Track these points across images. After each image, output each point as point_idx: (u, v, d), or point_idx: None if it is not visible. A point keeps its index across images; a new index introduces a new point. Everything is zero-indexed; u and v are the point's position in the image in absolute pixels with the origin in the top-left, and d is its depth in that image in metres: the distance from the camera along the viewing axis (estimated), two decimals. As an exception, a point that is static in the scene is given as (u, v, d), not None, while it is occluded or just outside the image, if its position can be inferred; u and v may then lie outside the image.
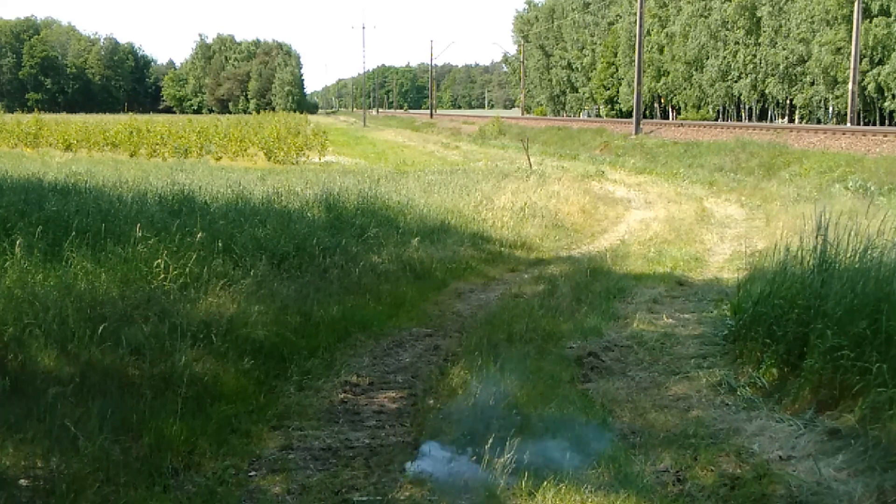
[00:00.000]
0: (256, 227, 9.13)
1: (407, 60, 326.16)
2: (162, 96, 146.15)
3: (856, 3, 33.49)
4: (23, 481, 4.05)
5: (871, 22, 40.35)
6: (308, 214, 10.89)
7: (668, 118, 61.08)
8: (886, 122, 43.81)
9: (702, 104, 58.71)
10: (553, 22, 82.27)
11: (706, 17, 55.97)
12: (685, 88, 59.77)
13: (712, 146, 26.35)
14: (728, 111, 59.21)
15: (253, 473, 4.59)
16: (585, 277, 9.60)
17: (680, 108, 61.90)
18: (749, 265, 8.26)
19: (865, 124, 41.62)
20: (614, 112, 70.02)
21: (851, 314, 5.29)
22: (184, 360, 5.35)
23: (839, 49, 42.46)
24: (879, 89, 42.17)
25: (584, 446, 4.73)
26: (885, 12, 40.68)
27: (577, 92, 79.91)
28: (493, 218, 13.23)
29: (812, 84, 46.91)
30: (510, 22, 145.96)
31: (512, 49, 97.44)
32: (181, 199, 10.92)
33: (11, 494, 3.94)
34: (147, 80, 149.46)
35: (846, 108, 36.16)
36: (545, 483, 4.22)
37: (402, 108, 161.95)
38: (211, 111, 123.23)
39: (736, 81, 54.55)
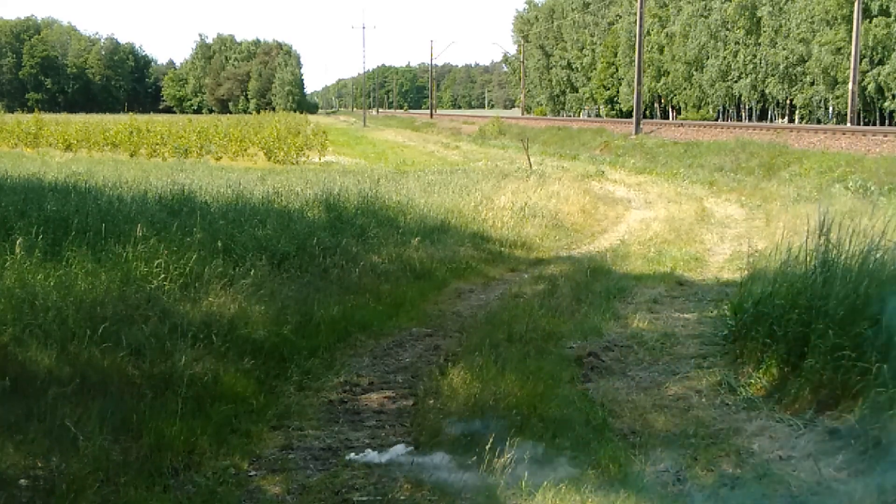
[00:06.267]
0: (256, 227, 9.13)
1: (407, 60, 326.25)
2: (162, 96, 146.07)
3: (856, 3, 33.49)
4: (23, 481, 4.04)
5: (871, 22, 40.34)
6: (308, 214, 10.89)
7: (668, 118, 61.08)
8: (886, 122, 43.81)
9: (702, 104, 58.71)
10: (553, 22, 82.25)
11: (706, 17, 55.98)
12: (685, 88, 59.77)
13: (712, 146, 26.34)
14: (728, 111, 59.22)
15: (253, 473, 4.59)
16: (585, 277, 9.60)
17: (680, 108, 61.90)
18: (749, 265, 8.25)
19: (865, 124, 41.63)
20: (614, 112, 70.01)
21: (853, 314, 5.29)
22: (184, 361, 5.35)
23: (839, 49, 42.46)
24: (879, 89, 42.17)
25: (584, 446, 4.73)
26: (885, 12, 40.68)
27: (577, 92, 79.90)
28: (494, 218, 13.23)
29: (812, 84, 46.92)
30: (510, 22, 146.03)
31: (512, 49, 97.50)
32: (181, 199, 10.93)
33: (11, 494, 3.94)
34: (147, 80, 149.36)
35: (846, 108, 36.16)
36: (545, 483, 4.21)
37: (402, 108, 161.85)
38: (211, 111, 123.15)
39: (736, 81, 54.55)
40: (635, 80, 36.35)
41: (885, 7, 40.50)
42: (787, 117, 53.64)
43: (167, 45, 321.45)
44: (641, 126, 34.91)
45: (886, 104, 42.57)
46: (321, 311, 7.14)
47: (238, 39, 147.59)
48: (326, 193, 12.44)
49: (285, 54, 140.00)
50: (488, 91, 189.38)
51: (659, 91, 63.80)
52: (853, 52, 33.24)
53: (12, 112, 71.37)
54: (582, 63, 77.15)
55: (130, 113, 54.34)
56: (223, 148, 31.73)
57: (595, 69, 73.95)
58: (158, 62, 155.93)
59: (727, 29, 54.37)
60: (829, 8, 42.75)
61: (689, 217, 15.32)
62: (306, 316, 6.97)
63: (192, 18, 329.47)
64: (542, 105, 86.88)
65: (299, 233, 9.15)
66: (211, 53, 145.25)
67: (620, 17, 67.10)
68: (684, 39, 58.06)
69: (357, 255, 9.04)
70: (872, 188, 16.23)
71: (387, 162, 28.81)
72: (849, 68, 35.91)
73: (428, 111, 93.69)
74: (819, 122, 46.37)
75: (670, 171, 24.13)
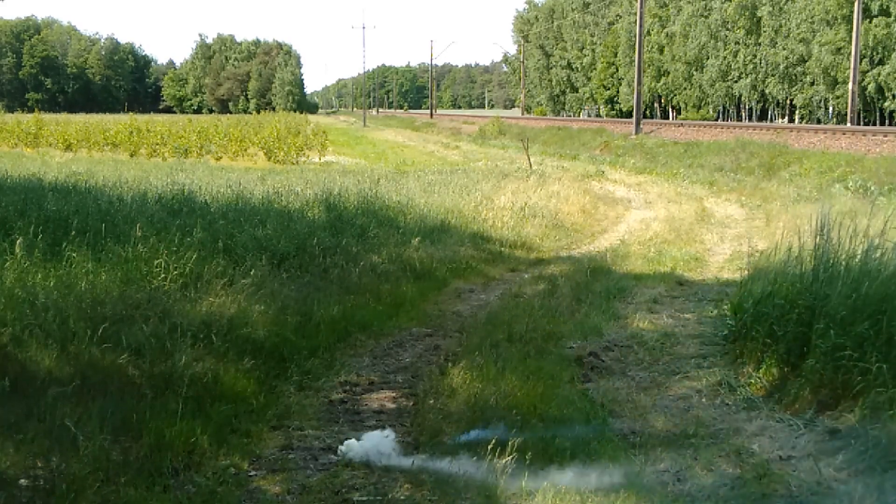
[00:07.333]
0: (256, 227, 9.12)
1: (407, 60, 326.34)
2: (162, 96, 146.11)
3: (856, 3, 33.48)
4: (23, 481, 4.04)
5: (871, 22, 40.35)
6: (308, 214, 10.88)
7: (668, 118, 61.08)
8: (886, 122, 43.81)
9: (702, 104, 58.72)
10: (553, 22, 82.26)
11: (706, 17, 55.99)
12: (685, 88, 59.78)
13: (712, 146, 26.34)
14: (728, 111, 59.23)
15: (253, 473, 4.59)
16: (585, 277, 9.60)
17: (680, 108, 61.90)
18: (749, 265, 8.26)
19: (865, 124, 41.62)
20: (614, 112, 70.02)
21: (854, 314, 5.28)
22: (184, 360, 5.34)
23: (839, 49, 42.46)
24: (879, 89, 42.18)
25: (584, 446, 4.73)
26: (885, 12, 40.68)
27: (577, 92, 79.91)
28: (494, 218, 13.23)
29: (812, 84, 46.93)
30: (510, 22, 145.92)
31: (512, 49, 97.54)
32: (181, 199, 10.92)
33: (11, 494, 3.93)
34: (147, 79, 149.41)
35: (846, 108, 36.15)
36: (545, 483, 4.21)
37: (402, 108, 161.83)
38: (211, 111, 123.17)
39: (736, 81, 54.56)
40: (635, 80, 36.35)
41: (885, 7, 40.50)
42: (787, 117, 53.64)
43: (167, 45, 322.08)
44: (641, 126, 34.91)
45: (886, 104, 42.58)
46: (321, 311, 7.14)
47: (238, 39, 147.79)
48: (326, 193, 12.43)
49: (285, 54, 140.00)
50: (488, 91, 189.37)
51: (659, 91, 63.80)
52: (853, 52, 33.23)
53: (12, 112, 71.44)
54: (582, 63, 77.15)
55: (130, 113, 54.34)
56: (223, 148, 31.74)
57: (595, 69, 73.96)
58: (158, 62, 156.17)
59: (727, 29, 54.39)
60: (829, 8, 42.75)
61: (689, 217, 15.32)
62: (306, 316, 6.96)
63: (192, 18, 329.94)
64: (542, 105, 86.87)
65: (299, 233, 9.14)
66: (211, 53, 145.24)
67: (620, 17, 67.11)
68: (684, 39, 58.06)
69: (357, 255, 9.03)
70: (872, 188, 16.23)
71: (387, 162, 28.80)
72: (849, 68, 35.91)
73: (428, 111, 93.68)
74: (819, 122, 46.37)
75: (670, 171, 24.13)
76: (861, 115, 41.96)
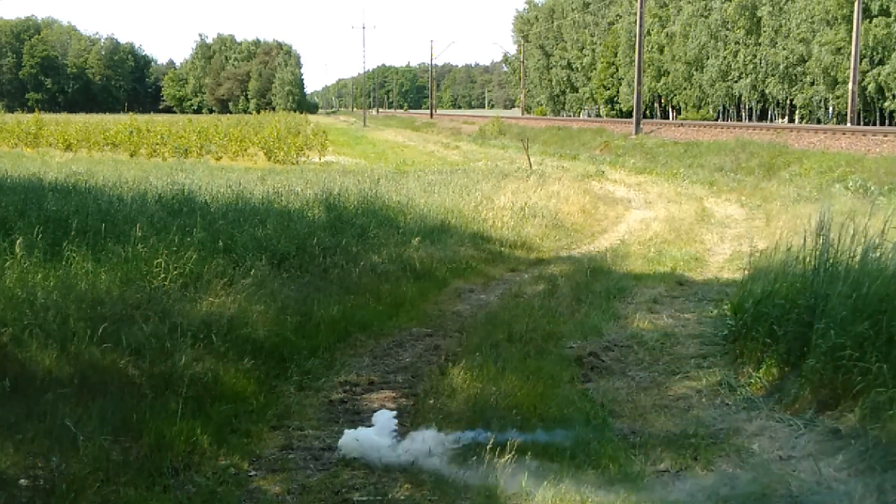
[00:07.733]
0: (256, 227, 9.12)
1: (407, 60, 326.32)
2: (162, 96, 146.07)
3: (856, 3, 33.48)
4: (23, 481, 4.04)
5: (871, 22, 40.34)
6: (308, 214, 10.88)
7: (668, 118, 61.07)
8: (886, 122, 43.80)
9: (702, 104, 58.71)
10: (553, 22, 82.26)
11: (706, 17, 55.99)
12: (685, 88, 59.77)
13: (712, 146, 26.34)
14: (728, 111, 59.22)
15: (253, 473, 4.59)
16: (585, 277, 9.60)
17: (680, 108, 61.89)
18: (750, 265, 8.27)
19: (865, 124, 41.61)
20: (614, 112, 70.01)
21: (854, 314, 5.29)
22: (184, 360, 5.35)
23: (839, 49, 42.45)
24: (879, 89, 42.17)
25: (584, 446, 4.73)
26: (885, 12, 40.67)
27: (577, 92, 79.91)
28: (494, 218, 13.23)
29: (812, 84, 46.92)
30: (510, 22, 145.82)
31: (512, 49, 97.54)
32: (181, 199, 10.92)
33: (11, 494, 3.93)
34: (147, 79, 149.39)
35: (846, 108, 36.14)
36: (545, 483, 4.21)
37: (402, 108, 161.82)
38: (211, 111, 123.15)
39: (736, 81, 54.55)
40: (635, 80, 36.35)
41: (885, 7, 40.50)
42: (787, 117, 53.64)
43: (167, 45, 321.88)
44: (641, 126, 34.91)
45: (886, 104, 42.57)
46: (321, 311, 7.14)
47: (238, 39, 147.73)
48: (326, 193, 12.43)
49: (285, 54, 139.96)
50: (488, 91, 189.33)
51: (659, 91, 63.80)
52: (853, 52, 33.22)
53: (12, 112, 71.42)
54: (582, 63, 77.15)
55: (130, 113, 54.36)
56: (223, 148, 31.73)
57: (595, 69, 73.94)
58: (158, 62, 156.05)
59: (727, 29, 54.38)
60: (829, 8, 42.74)
61: (689, 217, 15.33)
62: (306, 316, 6.96)
63: (192, 18, 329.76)
64: (542, 105, 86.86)
65: (299, 233, 9.13)
66: (211, 53, 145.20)
67: (620, 16, 67.10)
68: (684, 39, 58.06)
69: (357, 255, 9.03)
70: (872, 188, 16.23)
71: (387, 162, 28.80)
72: (849, 68, 35.90)
73: (428, 111, 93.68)
74: (819, 122, 46.36)
75: (670, 171, 24.13)
76: (861, 115, 41.95)
